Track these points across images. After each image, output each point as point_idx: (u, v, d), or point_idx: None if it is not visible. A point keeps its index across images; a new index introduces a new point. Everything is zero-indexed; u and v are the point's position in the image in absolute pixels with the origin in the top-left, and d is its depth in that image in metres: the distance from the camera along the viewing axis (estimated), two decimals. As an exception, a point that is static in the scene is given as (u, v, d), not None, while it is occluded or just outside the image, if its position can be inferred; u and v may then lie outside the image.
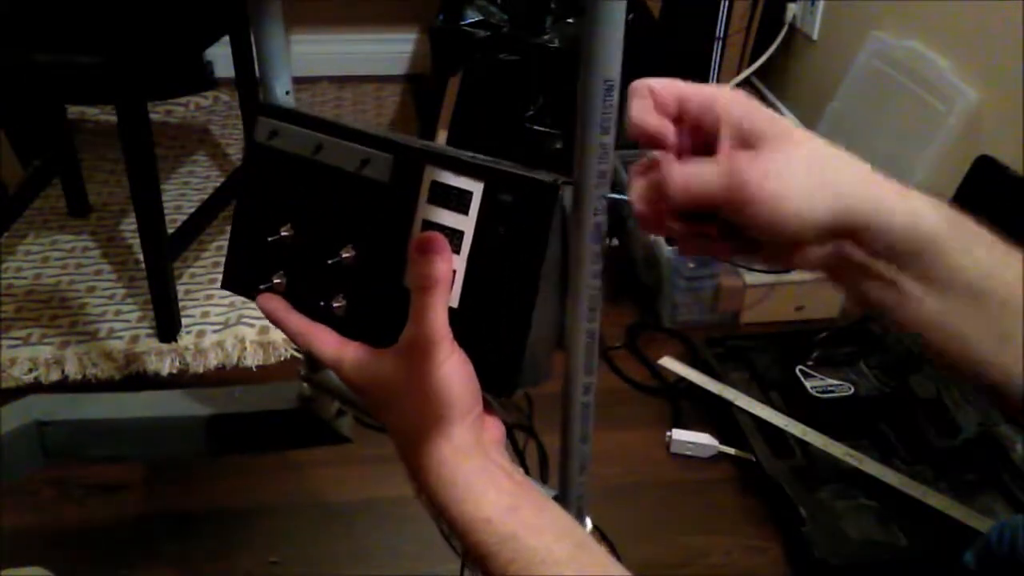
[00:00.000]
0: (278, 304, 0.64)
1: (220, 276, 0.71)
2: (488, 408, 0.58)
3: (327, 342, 0.60)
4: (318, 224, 0.64)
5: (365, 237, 0.62)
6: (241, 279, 0.69)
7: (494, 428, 0.59)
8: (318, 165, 0.63)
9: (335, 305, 0.62)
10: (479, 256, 0.57)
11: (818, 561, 1.18)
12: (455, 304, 0.57)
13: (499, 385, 0.57)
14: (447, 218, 0.57)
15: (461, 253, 0.57)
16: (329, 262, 0.62)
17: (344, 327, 0.61)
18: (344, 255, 0.61)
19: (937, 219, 0.49)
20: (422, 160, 0.59)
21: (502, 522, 0.53)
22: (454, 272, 0.56)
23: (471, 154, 0.58)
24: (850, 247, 0.50)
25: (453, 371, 0.55)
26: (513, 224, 0.55)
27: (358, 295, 0.62)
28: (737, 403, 1.44)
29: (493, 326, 0.56)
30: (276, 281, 0.65)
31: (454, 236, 0.57)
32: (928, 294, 0.50)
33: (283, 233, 0.64)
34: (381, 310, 0.60)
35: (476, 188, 0.56)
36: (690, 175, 0.49)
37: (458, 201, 0.57)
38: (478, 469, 0.55)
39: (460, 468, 0.55)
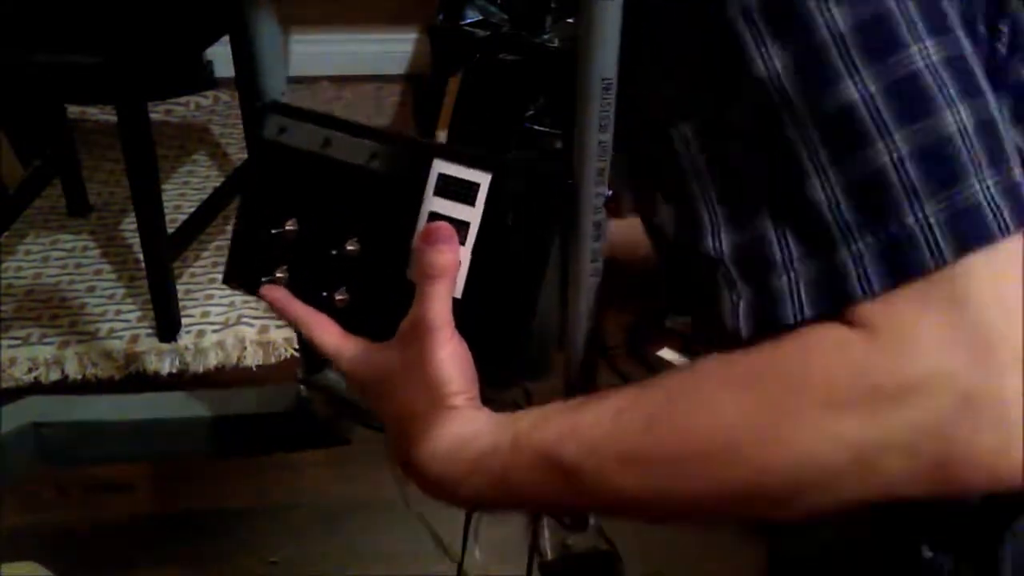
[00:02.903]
0: (281, 293, 0.64)
1: (220, 276, 0.71)
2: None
3: (330, 332, 0.61)
4: (323, 218, 0.64)
5: (370, 230, 0.62)
6: (243, 274, 0.69)
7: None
8: (326, 159, 0.63)
9: (338, 298, 0.62)
10: (485, 246, 0.57)
11: (783, 549, 1.19)
12: (459, 295, 0.57)
13: (501, 376, 0.57)
14: (453, 210, 0.58)
15: (466, 244, 0.57)
16: (333, 254, 0.62)
17: (345, 320, 0.62)
18: (348, 248, 0.62)
19: None
20: (430, 153, 0.59)
21: (540, 428, 0.50)
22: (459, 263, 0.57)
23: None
24: None
25: (451, 356, 0.54)
26: (521, 213, 0.56)
27: (361, 288, 0.62)
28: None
29: (497, 316, 0.57)
30: (279, 275, 0.65)
31: (460, 227, 0.57)
32: None
33: (287, 227, 0.65)
34: (383, 303, 0.60)
35: (484, 179, 0.57)
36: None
37: (465, 193, 0.57)
38: (487, 420, 0.53)
39: (464, 430, 0.53)
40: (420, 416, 0.54)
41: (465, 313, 0.56)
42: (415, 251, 0.57)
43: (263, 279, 0.66)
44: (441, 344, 0.54)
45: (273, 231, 0.65)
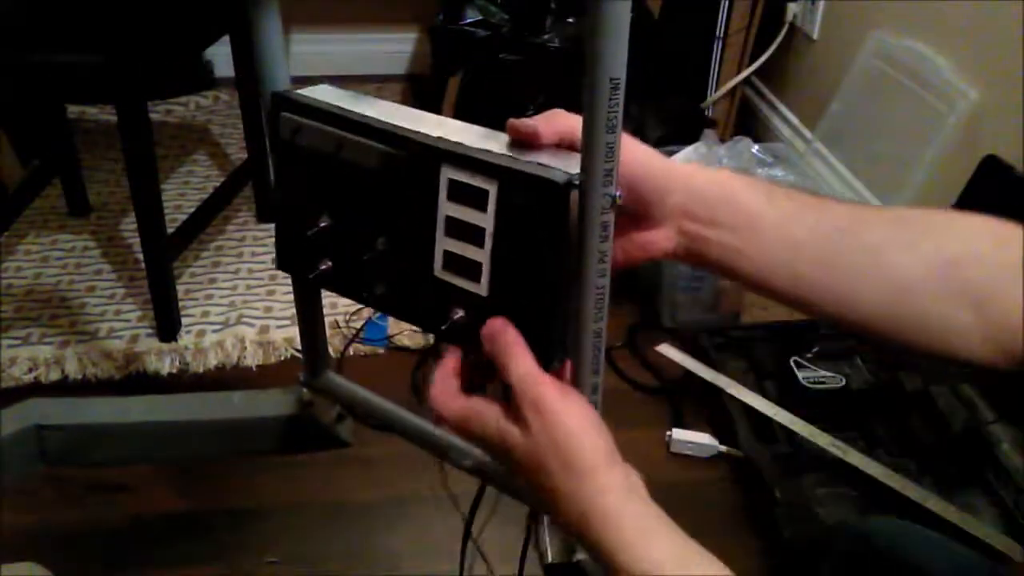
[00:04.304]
0: (455, 402, 0.62)
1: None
2: None
3: (490, 426, 0.60)
4: (350, 217, 0.66)
5: (394, 229, 0.64)
6: (292, 262, 0.72)
7: (634, 474, 0.59)
8: (342, 161, 0.64)
9: (377, 292, 0.65)
10: (501, 250, 0.58)
11: (786, 541, 1.20)
12: (484, 292, 0.59)
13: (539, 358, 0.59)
14: (467, 215, 0.59)
15: (484, 247, 0.58)
16: (365, 252, 0.64)
17: (388, 310, 0.66)
18: (379, 246, 0.64)
19: (736, 181, 0.60)
20: (438, 160, 0.59)
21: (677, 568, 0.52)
22: (480, 264, 0.59)
23: (485, 149, 0.58)
24: (683, 223, 0.60)
25: (579, 424, 0.56)
26: (527, 223, 0.56)
27: (395, 283, 0.65)
28: (728, 390, 1.45)
29: (522, 312, 0.58)
30: (323, 268, 0.68)
31: (476, 232, 0.58)
32: (744, 242, 0.59)
33: (321, 224, 0.67)
34: (417, 296, 0.63)
35: (491, 187, 0.57)
36: None
37: (476, 199, 0.58)
38: (639, 514, 0.55)
39: (624, 512, 0.54)
40: (569, 485, 0.55)
41: (494, 308, 0.58)
42: (485, 344, 0.58)
43: (309, 275, 0.69)
44: (568, 417, 0.55)
45: (309, 232, 0.67)
